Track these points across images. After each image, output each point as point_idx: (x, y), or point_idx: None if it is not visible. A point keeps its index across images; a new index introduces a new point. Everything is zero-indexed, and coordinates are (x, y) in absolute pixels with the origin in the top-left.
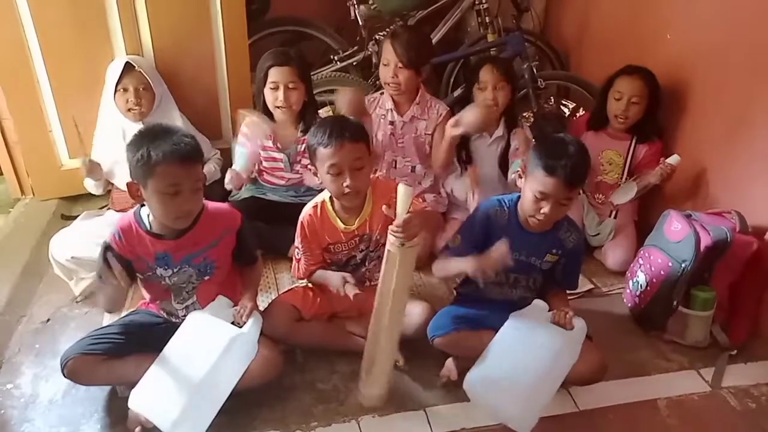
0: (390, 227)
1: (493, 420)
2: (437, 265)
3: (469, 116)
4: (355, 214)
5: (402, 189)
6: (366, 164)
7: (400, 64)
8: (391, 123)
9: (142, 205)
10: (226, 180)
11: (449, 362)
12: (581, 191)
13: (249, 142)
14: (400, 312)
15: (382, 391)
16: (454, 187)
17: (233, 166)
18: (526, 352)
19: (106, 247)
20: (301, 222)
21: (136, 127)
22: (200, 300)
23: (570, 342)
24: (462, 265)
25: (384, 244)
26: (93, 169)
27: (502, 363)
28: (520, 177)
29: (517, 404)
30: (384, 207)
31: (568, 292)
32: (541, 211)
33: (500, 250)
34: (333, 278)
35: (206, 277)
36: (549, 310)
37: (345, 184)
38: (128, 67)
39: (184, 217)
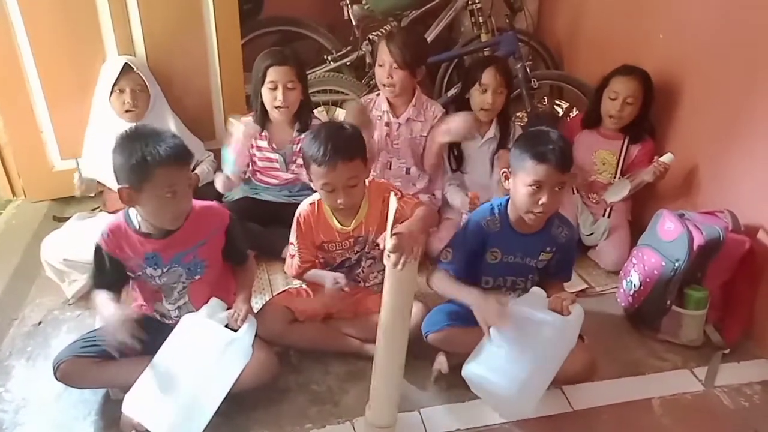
0: (385, 247)
1: (492, 407)
2: (436, 281)
3: (458, 124)
4: (351, 215)
5: (392, 202)
6: (361, 179)
7: (395, 65)
8: (387, 124)
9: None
10: (217, 184)
11: (441, 356)
12: (575, 191)
13: (239, 146)
14: (397, 334)
15: (389, 422)
16: (452, 197)
17: (224, 171)
18: (523, 337)
19: (97, 250)
20: (297, 218)
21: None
22: (193, 300)
23: (567, 327)
24: (464, 299)
25: (380, 245)
26: (89, 188)
27: (500, 349)
28: (507, 179)
29: (515, 389)
30: (379, 239)
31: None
32: (540, 202)
33: (503, 314)
34: (326, 279)
35: (197, 277)
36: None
37: (339, 201)
38: (125, 69)
39: (179, 217)
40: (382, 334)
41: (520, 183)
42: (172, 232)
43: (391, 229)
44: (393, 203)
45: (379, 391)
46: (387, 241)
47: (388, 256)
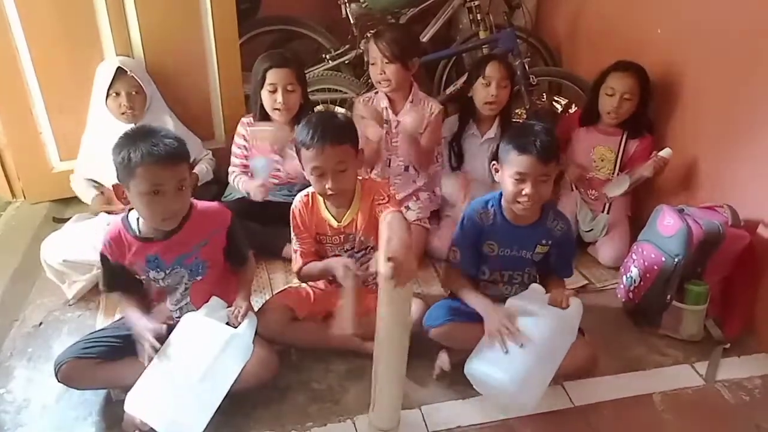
0: (380, 271)
1: (495, 403)
2: (450, 282)
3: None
4: (343, 208)
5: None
6: (350, 165)
7: (385, 60)
8: (386, 122)
9: (131, 209)
10: (255, 195)
11: (443, 354)
12: (574, 187)
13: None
14: (392, 349)
15: (391, 424)
16: (444, 186)
17: (258, 179)
18: (524, 332)
19: (102, 258)
20: (293, 211)
21: (128, 128)
22: (194, 301)
23: (567, 321)
24: (475, 306)
25: (370, 247)
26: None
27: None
28: (497, 171)
29: (518, 384)
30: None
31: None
32: (523, 192)
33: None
34: (335, 266)
35: (198, 278)
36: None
37: (327, 186)
38: (120, 72)
39: (171, 218)
40: (381, 347)
41: (506, 174)
42: (172, 233)
43: (385, 252)
44: (384, 226)
45: (381, 397)
46: (381, 265)
47: (385, 280)
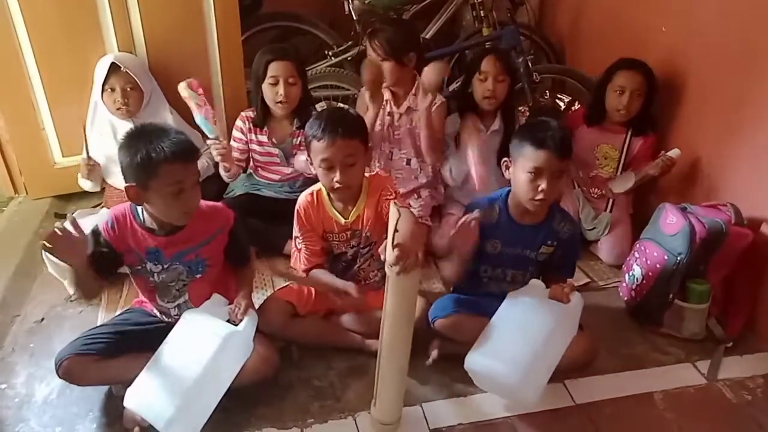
0: (386, 259)
1: (493, 392)
2: (445, 269)
3: (428, 76)
4: (350, 205)
5: (393, 210)
6: (359, 160)
7: (380, 58)
8: (389, 114)
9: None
10: (223, 172)
11: (435, 341)
12: (576, 185)
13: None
14: (397, 341)
15: (393, 419)
16: (453, 167)
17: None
18: (524, 325)
19: (94, 232)
20: (298, 210)
21: (127, 125)
22: (193, 299)
23: (567, 314)
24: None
25: (375, 243)
26: (93, 169)
27: (501, 337)
28: (507, 168)
29: (518, 375)
30: (380, 249)
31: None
32: (540, 188)
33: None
34: (339, 285)
35: (198, 275)
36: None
37: (335, 179)
38: (115, 67)
39: (190, 213)
40: (385, 339)
41: (520, 170)
42: (176, 230)
43: (392, 240)
44: (393, 213)
45: (383, 391)
46: (388, 253)
47: (390, 266)
